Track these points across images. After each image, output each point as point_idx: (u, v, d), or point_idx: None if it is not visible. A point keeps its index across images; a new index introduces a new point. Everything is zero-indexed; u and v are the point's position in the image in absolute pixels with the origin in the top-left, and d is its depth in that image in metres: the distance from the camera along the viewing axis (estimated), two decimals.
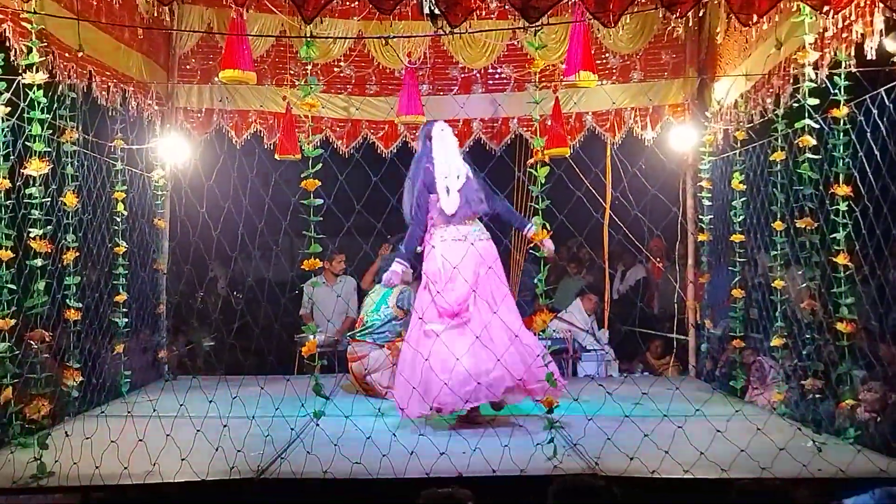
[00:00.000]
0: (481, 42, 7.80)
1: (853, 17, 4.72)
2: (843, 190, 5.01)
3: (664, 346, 8.32)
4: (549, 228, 4.87)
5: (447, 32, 4.96)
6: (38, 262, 4.94)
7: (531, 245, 5.04)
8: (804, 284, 5.37)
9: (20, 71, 4.87)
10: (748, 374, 6.50)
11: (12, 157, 4.87)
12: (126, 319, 6.66)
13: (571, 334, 8.24)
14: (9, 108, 4.85)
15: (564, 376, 7.66)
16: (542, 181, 4.82)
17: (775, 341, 5.84)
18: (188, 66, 7.78)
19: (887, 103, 4.64)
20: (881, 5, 4.47)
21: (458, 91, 8.01)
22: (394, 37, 6.44)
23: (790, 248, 5.64)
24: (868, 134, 4.79)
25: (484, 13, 7.14)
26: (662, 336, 8.27)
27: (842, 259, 5.01)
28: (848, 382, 5.05)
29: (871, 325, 5.34)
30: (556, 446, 4.48)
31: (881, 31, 4.58)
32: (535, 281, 4.90)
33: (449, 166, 5.64)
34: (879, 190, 4.70)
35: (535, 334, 6.63)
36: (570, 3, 4.92)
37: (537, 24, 4.77)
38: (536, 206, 4.85)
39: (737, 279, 6.68)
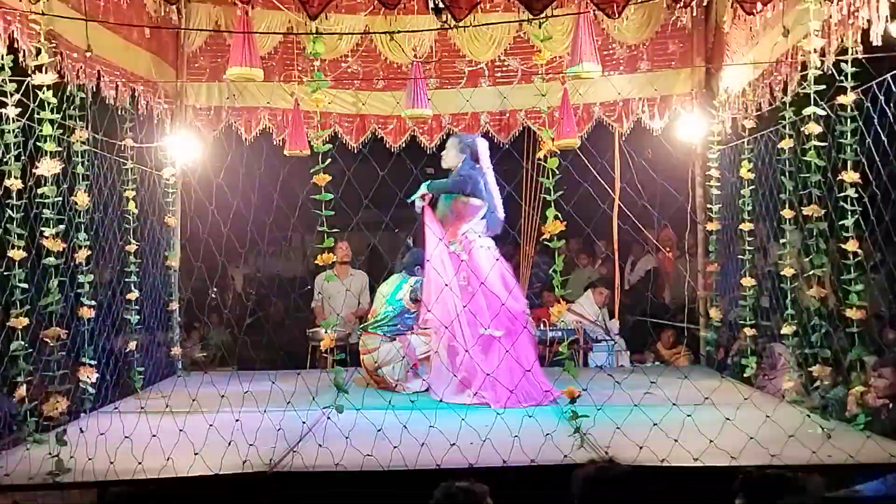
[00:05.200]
0: (488, 35, 7.79)
1: (858, 4, 4.72)
2: (850, 177, 5.00)
3: (675, 336, 8.32)
4: (560, 219, 4.88)
5: (452, 26, 4.98)
6: (52, 260, 4.99)
7: (543, 237, 5.05)
8: (812, 271, 5.37)
9: (30, 72, 4.92)
10: (759, 361, 6.50)
11: (24, 158, 4.92)
12: (138, 317, 6.70)
13: (582, 326, 8.25)
14: (19, 109, 4.88)
15: (576, 366, 7.70)
16: (554, 172, 4.84)
17: (785, 329, 5.84)
18: (197, 64, 7.81)
19: (894, 89, 4.63)
20: None
21: (466, 84, 8.00)
22: (399, 31, 6.44)
23: (799, 235, 5.64)
24: (875, 120, 4.78)
25: (489, 6, 7.15)
26: (673, 326, 8.27)
27: (851, 246, 4.99)
28: (858, 369, 5.05)
29: (881, 311, 5.35)
30: (582, 437, 4.51)
31: (886, 16, 4.58)
32: (551, 272, 4.93)
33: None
34: (887, 176, 4.70)
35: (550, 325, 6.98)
36: None
37: (542, 15, 4.78)
38: (547, 198, 4.86)
39: (747, 267, 6.68)
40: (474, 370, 5.97)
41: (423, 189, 6.41)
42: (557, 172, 4.82)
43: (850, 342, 5.03)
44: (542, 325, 7.74)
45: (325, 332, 5.49)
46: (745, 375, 6.56)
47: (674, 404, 4.70)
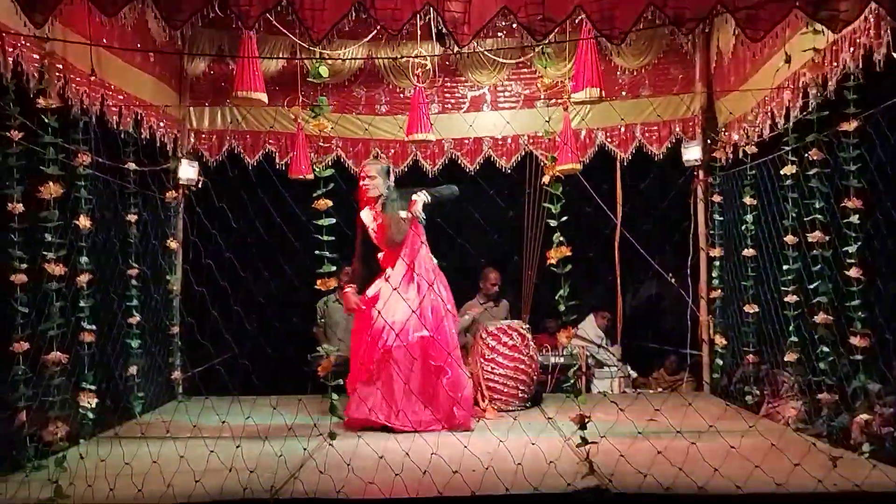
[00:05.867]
0: (490, 60, 7.83)
1: (860, 31, 4.73)
2: (853, 203, 5.01)
3: (678, 362, 8.29)
4: (565, 243, 4.86)
5: (455, 52, 5.00)
6: (53, 285, 4.98)
7: (549, 262, 5.01)
8: (816, 298, 5.35)
9: (33, 96, 4.93)
10: (762, 388, 6.47)
11: (26, 182, 4.92)
12: (139, 341, 6.68)
13: (585, 350, 8.23)
14: (23, 133, 4.89)
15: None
16: (560, 197, 4.82)
17: (789, 356, 5.83)
18: (200, 89, 7.84)
19: None
20: (888, 18, 4.49)
21: (468, 109, 8.04)
22: (402, 57, 6.48)
23: (802, 261, 5.64)
24: (878, 146, 4.79)
25: (491, 32, 7.18)
26: (676, 352, 8.24)
27: (854, 272, 4.99)
28: (863, 396, 5.02)
29: (885, 338, 5.32)
30: (592, 464, 4.46)
31: (888, 43, 4.59)
32: (557, 298, 4.89)
33: None
34: (890, 201, 4.70)
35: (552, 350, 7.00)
36: (576, 20, 4.94)
37: (544, 41, 4.79)
38: (551, 223, 4.85)
39: (749, 294, 6.67)
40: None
41: (420, 202, 6.16)
42: (561, 197, 4.81)
43: (855, 369, 5.01)
44: (544, 351, 7.71)
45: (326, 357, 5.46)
46: (747, 403, 6.53)
47: (678, 432, 4.66)
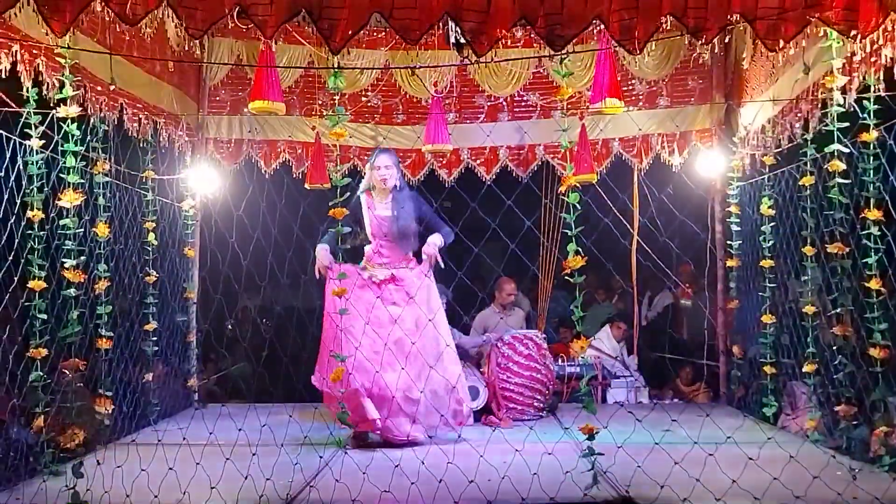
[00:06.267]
0: (507, 70, 7.84)
1: (881, 42, 4.70)
2: (873, 214, 4.98)
3: (694, 373, 8.26)
4: (581, 254, 4.85)
5: (473, 62, 5.01)
6: (72, 291, 5.02)
7: (564, 272, 4.98)
8: (835, 310, 5.32)
9: (53, 104, 4.97)
10: (779, 400, 6.43)
11: (46, 189, 4.96)
12: (156, 348, 6.71)
13: (600, 361, 8.20)
14: (43, 141, 4.94)
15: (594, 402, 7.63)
16: (577, 206, 4.81)
17: (807, 367, 5.79)
18: (218, 98, 7.88)
19: None
20: None
21: (485, 119, 8.05)
22: (420, 66, 6.50)
23: (821, 272, 5.61)
24: None
25: (510, 42, 7.19)
26: (692, 362, 8.20)
27: (874, 284, 4.96)
28: (882, 409, 4.98)
29: None
30: (595, 475, 4.45)
31: None
32: (571, 308, 4.87)
33: None
34: None
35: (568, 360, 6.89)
36: (595, 30, 4.93)
37: (563, 52, 4.79)
38: (567, 233, 4.84)
39: (766, 304, 6.64)
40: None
41: (436, 245, 6.03)
42: (578, 207, 4.80)
43: (874, 381, 4.97)
44: (560, 361, 7.69)
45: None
46: (765, 414, 6.49)
47: (695, 443, 4.63)
